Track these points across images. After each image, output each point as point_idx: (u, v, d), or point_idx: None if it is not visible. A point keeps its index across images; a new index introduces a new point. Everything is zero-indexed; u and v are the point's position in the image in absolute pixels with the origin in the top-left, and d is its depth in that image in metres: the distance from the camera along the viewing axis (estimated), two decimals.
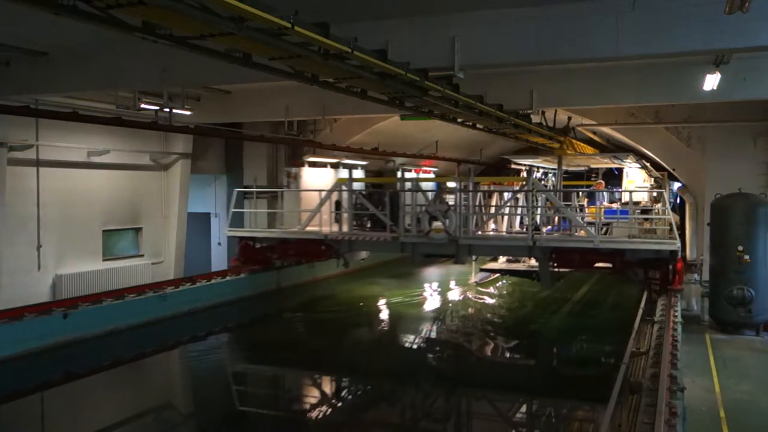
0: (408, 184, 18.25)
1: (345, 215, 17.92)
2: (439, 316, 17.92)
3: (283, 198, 19.17)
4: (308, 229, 17.21)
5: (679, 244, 14.40)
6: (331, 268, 19.55)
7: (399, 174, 20.81)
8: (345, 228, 17.61)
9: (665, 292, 14.07)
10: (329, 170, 21.14)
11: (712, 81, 11.37)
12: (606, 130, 21.60)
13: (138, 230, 18.01)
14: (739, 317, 13.07)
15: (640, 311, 12.60)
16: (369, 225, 18.90)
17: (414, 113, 12.70)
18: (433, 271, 23.96)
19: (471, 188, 17.27)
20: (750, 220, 13.19)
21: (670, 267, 14.43)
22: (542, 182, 26.79)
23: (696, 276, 17.86)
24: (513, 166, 29.27)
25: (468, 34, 8.74)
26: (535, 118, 16.54)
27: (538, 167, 27.01)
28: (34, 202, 14.70)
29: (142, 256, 17.95)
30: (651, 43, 8.16)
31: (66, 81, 11.96)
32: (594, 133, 23.55)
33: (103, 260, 16.67)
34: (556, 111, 18.51)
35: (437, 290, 21.24)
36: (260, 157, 21.49)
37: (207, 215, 22.02)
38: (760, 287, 13.00)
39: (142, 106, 14.74)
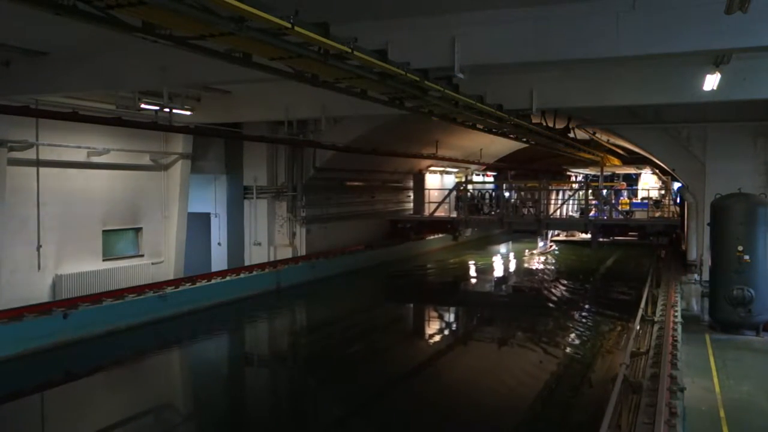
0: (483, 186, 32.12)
1: (461, 204, 28.23)
2: (518, 270, 27.50)
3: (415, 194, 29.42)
4: (436, 214, 26.88)
5: (678, 222, 23.59)
6: (437, 243, 29.68)
7: (474, 177, 34.61)
8: (461, 213, 27.33)
9: (670, 249, 23.89)
10: (438, 175, 31.32)
11: (712, 81, 11.35)
12: (603, 136, 22.08)
13: (138, 230, 18.01)
14: (739, 317, 13.04)
15: (640, 311, 12.69)
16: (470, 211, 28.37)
17: (414, 113, 12.71)
18: (507, 246, 35.00)
19: (549, 188, 28.58)
20: (750, 220, 13.17)
21: (674, 235, 24.24)
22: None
23: (696, 276, 17.85)
24: (567, 173, 42.05)
25: (468, 34, 8.73)
26: (535, 119, 16.56)
27: (582, 173, 41.50)
28: (34, 202, 14.69)
29: (142, 256, 17.94)
30: (651, 43, 8.15)
31: (66, 81, 11.96)
32: (594, 133, 23.54)
33: (103, 260, 16.66)
34: (555, 112, 18.50)
35: (513, 256, 31.80)
36: (260, 157, 21.50)
37: (207, 215, 22.00)
38: (760, 287, 12.98)
39: (142, 106, 14.74)
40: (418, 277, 24.85)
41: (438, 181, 31.11)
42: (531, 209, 26.25)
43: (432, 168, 30.06)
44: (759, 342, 12.68)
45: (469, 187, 29.57)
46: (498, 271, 27.40)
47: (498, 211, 27.75)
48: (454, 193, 28.88)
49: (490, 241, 35.32)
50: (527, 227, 25.68)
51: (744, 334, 13.06)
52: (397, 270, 24.44)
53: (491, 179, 37.74)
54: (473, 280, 25.19)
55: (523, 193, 29.59)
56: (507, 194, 28.72)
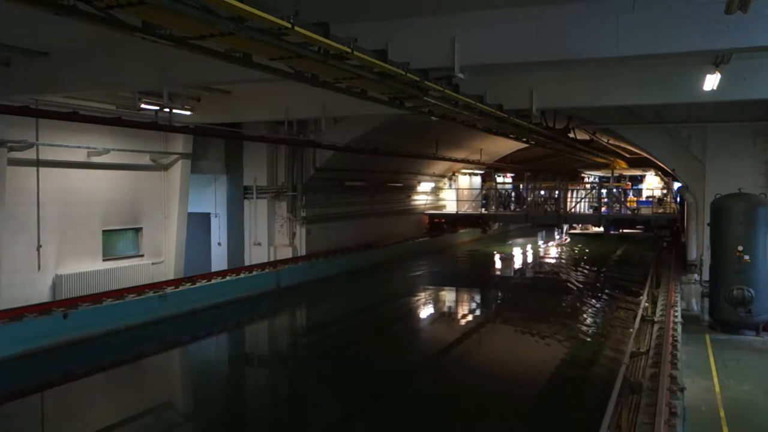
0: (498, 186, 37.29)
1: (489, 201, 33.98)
2: (537, 258, 31.82)
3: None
4: (468, 211, 31.75)
5: (678, 216, 27.38)
6: (466, 236, 33.92)
7: (499, 179, 39.67)
8: (490, 210, 32.80)
9: (672, 240, 27.97)
10: (467, 177, 35.96)
11: (712, 81, 11.35)
12: (603, 137, 22.10)
13: (138, 230, 18.01)
14: (739, 317, 13.05)
15: (644, 306, 12.70)
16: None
17: (414, 113, 12.71)
18: (526, 239, 38.39)
19: (565, 188, 33.79)
20: (750, 220, 13.17)
21: (675, 228, 28.05)
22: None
23: (696, 276, 17.85)
24: (582, 174, 48.04)
25: (468, 34, 8.73)
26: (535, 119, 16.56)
27: (594, 175, 48.92)
28: (34, 202, 14.70)
29: (142, 256, 17.94)
30: (651, 43, 8.15)
31: (66, 81, 11.96)
32: (594, 133, 23.55)
33: (103, 260, 16.66)
34: (555, 112, 18.51)
35: (533, 247, 35.79)
36: (260, 157, 21.50)
37: (207, 215, 22.00)
38: (760, 287, 12.99)
39: (142, 106, 14.73)
40: (459, 262, 29.10)
41: (467, 182, 35.94)
42: (551, 206, 30.39)
43: (463, 170, 34.50)
44: (759, 342, 12.69)
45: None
46: (524, 259, 31.92)
47: (523, 207, 32.38)
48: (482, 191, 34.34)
49: (513, 235, 40.18)
50: (549, 222, 30.28)
51: (744, 334, 13.07)
52: (439, 255, 28.76)
53: (509, 179, 42.34)
54: (505, 265, 29.31)
55: (543, 192, 34.24)
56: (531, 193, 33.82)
